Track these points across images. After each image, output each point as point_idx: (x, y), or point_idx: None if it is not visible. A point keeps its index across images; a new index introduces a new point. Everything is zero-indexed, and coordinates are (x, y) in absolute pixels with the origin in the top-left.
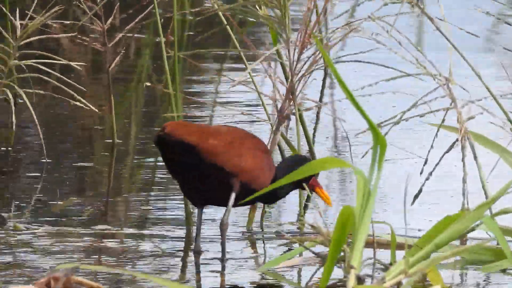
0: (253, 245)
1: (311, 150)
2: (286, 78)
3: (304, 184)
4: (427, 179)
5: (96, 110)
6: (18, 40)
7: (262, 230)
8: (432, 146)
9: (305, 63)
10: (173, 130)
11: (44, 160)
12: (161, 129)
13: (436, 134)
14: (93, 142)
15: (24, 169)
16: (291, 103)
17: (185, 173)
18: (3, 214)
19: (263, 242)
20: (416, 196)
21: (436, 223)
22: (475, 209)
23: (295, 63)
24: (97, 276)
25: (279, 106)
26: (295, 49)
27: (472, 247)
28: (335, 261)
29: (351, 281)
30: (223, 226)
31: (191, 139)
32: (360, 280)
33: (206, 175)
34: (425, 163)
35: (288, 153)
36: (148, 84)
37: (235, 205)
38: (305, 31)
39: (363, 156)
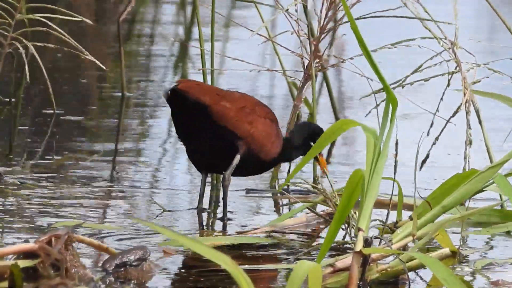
0: (257, 203)
1: (334, 110)
2: (312, 35)
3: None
4: (433, 144)
5: (103, 67)
6: None
7: (272, 188)
8: (437, 110)
9: (327, 22)
10: (186, 87)
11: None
12: (174, 84)
13: (442, 98)
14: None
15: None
16: (317, 61)
17: (193, 133)
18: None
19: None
20: (423, 161)
21: (445, 182)
22: (486, 169)
23: (323, 19)
24: (101, 234)
25: (305, 63)
26: (322, 5)
27: (481, 209)
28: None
29: (359, 244)
30: (225, 182)
31: (204, 98)
32: (367, 242)
33: (214, 137)
34: (431, 125)
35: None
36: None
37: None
38: None
39: (366, 115)
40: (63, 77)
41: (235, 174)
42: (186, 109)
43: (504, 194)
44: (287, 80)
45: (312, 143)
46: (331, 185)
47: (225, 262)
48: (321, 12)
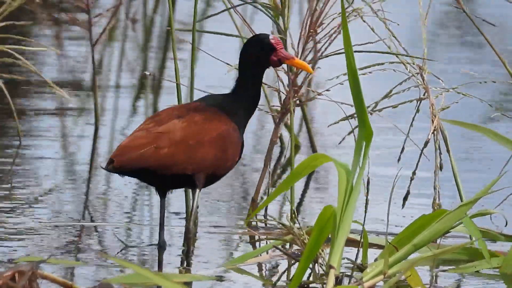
0: (222, 240)
1: (312, 141)
2: (290, 70)
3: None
4: (412, 179)
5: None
6: None
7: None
8: (408, 135)
9: (307, 55)
10: (121, 161)
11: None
12: (107, 162)
13: (411, 124)
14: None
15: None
16: (295, 95)
17: (148, 181)
18: None
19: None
20: (405, 199)
21: (412, 223)
22: (455, 209)
23: (300, 53)
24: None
25: (282, 98)
26: (299, 40)
27: (451, 248)
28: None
29: (330, 282)
30: (189, 234)
31: (144, 163)
32: (338, 280)
33: (169, 179)
34: (402, 151)
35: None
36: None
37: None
38: (311, 19)
39: (340, 142)
40: None
41: (205, 185)
42: (131, 174)
43: (472, 235)
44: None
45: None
46: (298, 223)
47: None
48: (298, 46)
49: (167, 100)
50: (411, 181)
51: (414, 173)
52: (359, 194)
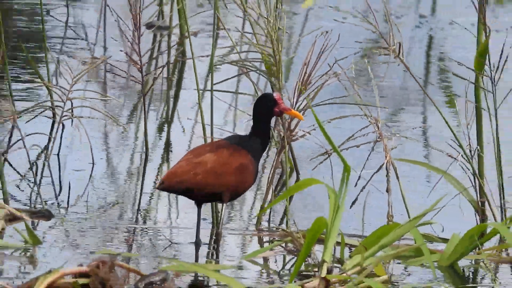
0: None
1: (297, 170)
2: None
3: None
4: (361, 190)
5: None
6: None
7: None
8: (364, 167)
9: (300, 105)
10: (169, 183)
11: None
12: (159, 183)
13: (368, 158)
14: None
15: None
16: (290, 134)
17: (189, 196)
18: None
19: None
20: (353, 203)
21: (375, 231)
22: (408, 221)
23: (294, 104)
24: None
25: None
26: (294, 94)
27: (405, 249)
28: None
29: (324, 271)
30: (219, 236)
31: (184, 185)
32: (328, 270)
33: (203, 196)
34: (359, 178)
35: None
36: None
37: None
38: (302, 79)
39: (313, 168)
40: None
41: (230, 201)
42: (177, 192)
43: (417, 242)
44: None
45: (260, 118)
46: (296, 227)
47: (228, 281)
48: (293, 98)
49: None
50: (360, 191)
51: (363, 188)
52: (343, 210)
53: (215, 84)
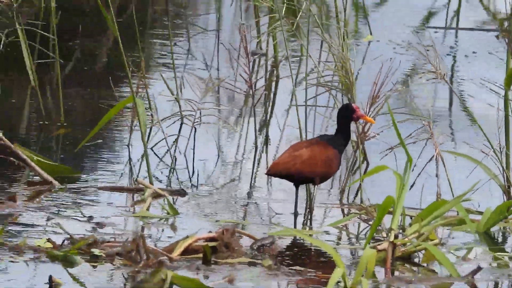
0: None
1: (367, 161)
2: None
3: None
4: (418, 175)
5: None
6: None
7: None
8: (419, 157)
9: (372, 113)
10: (274, 170)
11: None
12: (267, 170)
13: (422, 151)
14: None
15: None
16: (365, 135)
17: (289, 180)
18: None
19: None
20: (411, 185)
21: (428, 206)
22: (453, 199)
23: (368, 111)
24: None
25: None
26: (367, 104)
27: (454, 218)
28: (375, 227)
29: (392, 237)
30: (312, 209)
31: (285, 171)
32: (395, 236)
33: (300, 180)
34: (415, 165)
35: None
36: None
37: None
38: (373, 94)
39: (382, 158)
40: None
41: (320, 183)
42: (281, 177)
43: (461, 214)
44: None
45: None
46: (370, 203)
47: (319, 244)
48: (366, 107)
49: None
50: (416, 177)
51: (418, 174)
52: (407, 191)
53: (308, 99)
